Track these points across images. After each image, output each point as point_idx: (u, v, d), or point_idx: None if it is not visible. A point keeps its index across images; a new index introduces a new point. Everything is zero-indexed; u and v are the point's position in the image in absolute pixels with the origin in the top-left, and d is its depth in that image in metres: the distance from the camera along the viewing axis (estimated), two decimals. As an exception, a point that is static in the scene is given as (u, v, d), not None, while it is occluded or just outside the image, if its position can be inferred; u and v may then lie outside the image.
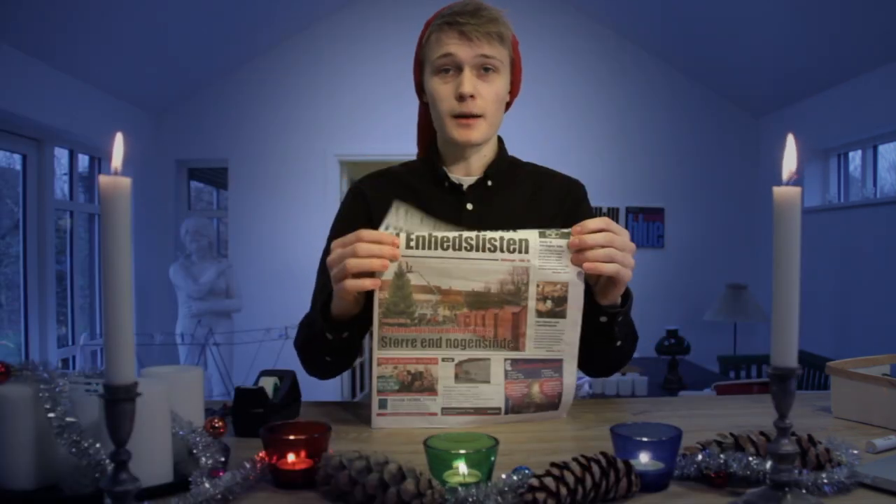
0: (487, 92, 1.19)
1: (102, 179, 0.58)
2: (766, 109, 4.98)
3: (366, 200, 1.31)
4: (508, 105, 1.29)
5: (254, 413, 0.97)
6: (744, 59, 4.49)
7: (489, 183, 1.28)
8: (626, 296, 1.12)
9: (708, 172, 5.11)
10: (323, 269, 1.30)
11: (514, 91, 1.28)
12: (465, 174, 1.28)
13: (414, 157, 1.39)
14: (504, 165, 1.31)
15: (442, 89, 1.20)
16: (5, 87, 3.31)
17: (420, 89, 1.28)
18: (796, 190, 0.69)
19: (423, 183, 1.30)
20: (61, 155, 4.26)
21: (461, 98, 1.18)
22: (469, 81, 1.17)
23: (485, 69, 1.18)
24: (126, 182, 0.59)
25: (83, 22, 3.48)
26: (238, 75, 5.05)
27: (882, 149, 4.14)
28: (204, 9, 4.08)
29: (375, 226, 1.27)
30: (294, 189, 5.02)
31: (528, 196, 1.30)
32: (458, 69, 1.18)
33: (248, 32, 4.68)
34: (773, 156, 4.86)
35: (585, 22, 5.06)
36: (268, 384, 1.02)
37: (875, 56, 3.64)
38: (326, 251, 1.32)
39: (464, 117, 1.19)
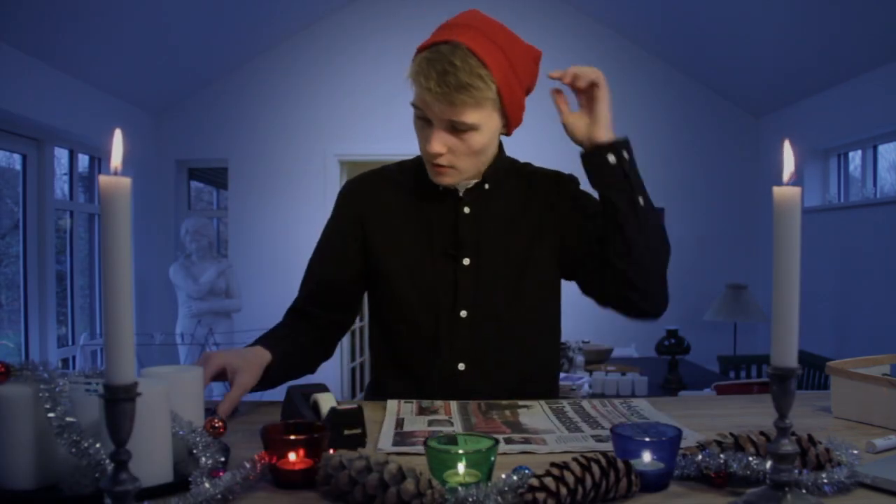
0: (459, 147, 1.15)
1: (102, 179, 0.58)
2: (766, 109, 4.98)
3: (357, 200, 1.30)
4: (509, 133, 1.23)
5: (350, 435, 0.91)
6: (744, 59, 4.49)
7: (486, 186, 1.27)
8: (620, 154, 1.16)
9: (708, 172, 5.10)
10: (313, 260, 1.33)
11: (513, 121, 1.20)
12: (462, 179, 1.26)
13: (413, 157, 1.37)
14: (502, 167, 1.29)
15: (420, 132, 1.18)
16: (5, 87, 3.31)
17: None
18: (796, 190, 0.69)
19: (418, 184, 1.29)
20: (61, 155, 4.25)
21: (425, 151, 1.15)
22: (437, 141, 1.13)
23: (456, 128, 1.13)
24: (126, 182, 0.59)
25: (83, 22, 3.48)
26: (238, 75, 5.05)
27: (882, 149, 4.14)
28: (204, 9, 4.08)
29: (365, 226, 1.27)
30: (294, 189, 5.02)
31: (522, 196, 1.29)
32: (430, 122, 1.14)
33: (248, 32, 4.68)
34: (773, 156, 4.86)
35: (585, 22, 5.06)
36: (329, 400, 0.94)
37: (875, 56, 3.64)
38: (319, 245, 1.33)
39: (435, 165, 1.17)
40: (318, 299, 1.30)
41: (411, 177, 1.31)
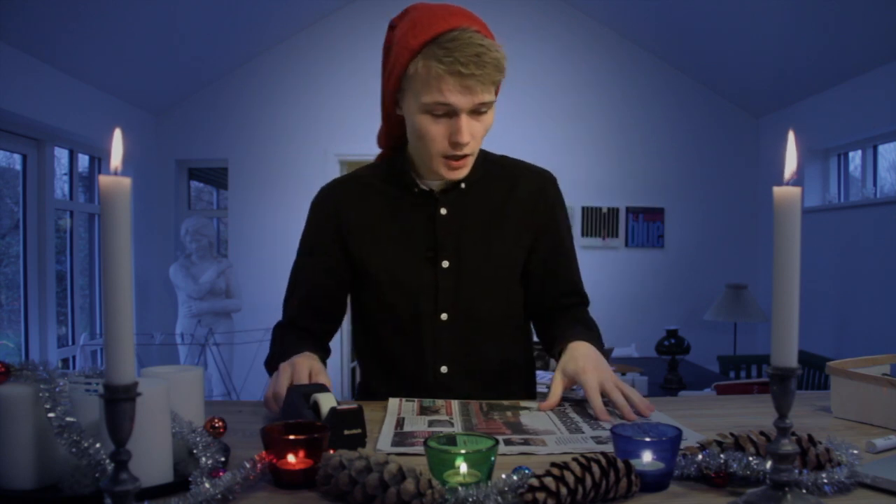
0: (479, 130, 1.14)
1: (102, 179, 0.58)
2: (765, 109, 4.98)
3: (333, 206, 1.26)
4: None
5: (350, 435, 0.91)
6: (744, 59, 4.49)
7: (462, 185, 1.24)
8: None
9: (708, 172, 5.11)
10: (298, 273, 1.31)
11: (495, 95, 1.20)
12: (438, 178, 1.22)
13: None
14: (478, 164, 1.25)
15: (434, 129, 1.11)
16: (5, 87, 3.31)
17: (390, 102, 1.20)
18: (796, 190, 0.69)
19: (393, 188, 1.25)
20: (61, 155, 4.25)
21: (456, 144, 1.11)
22: (466, 129, 1.10)
23: (478, 111, 1.11)
24: (126, 182, 0.59)
25: (83, 22, 3.48)
26: (238, 75, 5.05)
27: (882, 149, 4.14)
28: (204, 9, 4.08)
29: (344, 232, 1.24)
30: (294, 189, 5.01)
31: (504, 193, 1.26)
32: (453, 113, 1.10)
33: (247, 32, 4.68)
34: (772, 156, 4.87)
35: (584, 21, 5.06)
36: (329, 400, 0.94)
37: (875, 56, 3.64)
38: (301, 257, 1.31)
39: (456, 159, 1.14)
40: (311, 311, 1.28)
41: (384, 179, 1.27)
